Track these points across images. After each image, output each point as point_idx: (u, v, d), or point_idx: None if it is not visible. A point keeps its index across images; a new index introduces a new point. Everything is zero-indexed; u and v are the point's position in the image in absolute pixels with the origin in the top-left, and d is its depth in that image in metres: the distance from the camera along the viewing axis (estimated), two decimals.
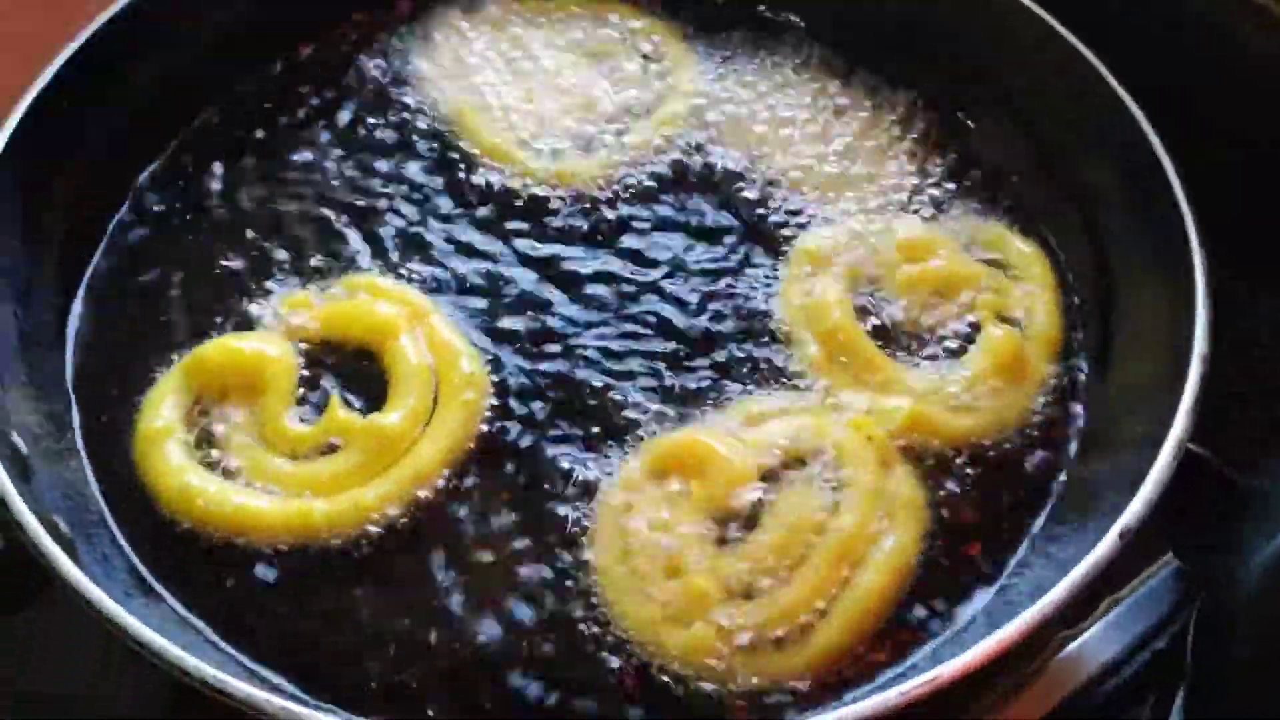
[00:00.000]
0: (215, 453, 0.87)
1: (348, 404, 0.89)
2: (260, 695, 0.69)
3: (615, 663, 0.78)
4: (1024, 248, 1.00)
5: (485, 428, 0.88)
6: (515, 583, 0.82)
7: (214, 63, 1.10)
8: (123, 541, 0.84)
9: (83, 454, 0.88)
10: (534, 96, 1.10)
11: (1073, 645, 0.91)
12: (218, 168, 1.06)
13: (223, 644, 0.80)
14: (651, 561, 0.80)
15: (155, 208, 1.04)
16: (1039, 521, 0.86)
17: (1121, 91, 0.96)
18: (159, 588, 0.82)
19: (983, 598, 0.82)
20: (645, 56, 1.14)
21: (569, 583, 0.82)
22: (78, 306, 0.97)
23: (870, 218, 1.01)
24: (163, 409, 0.88)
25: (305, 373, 0.91)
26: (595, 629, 0.80)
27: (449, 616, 0.80)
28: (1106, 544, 0.73)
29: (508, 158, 1.05)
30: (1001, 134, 1.07)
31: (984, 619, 0.80)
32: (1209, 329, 0.83)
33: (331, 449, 0.86)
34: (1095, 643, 0.92)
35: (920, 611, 0.82)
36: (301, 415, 0.89)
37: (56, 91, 0.96)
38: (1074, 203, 1.01)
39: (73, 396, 0.91)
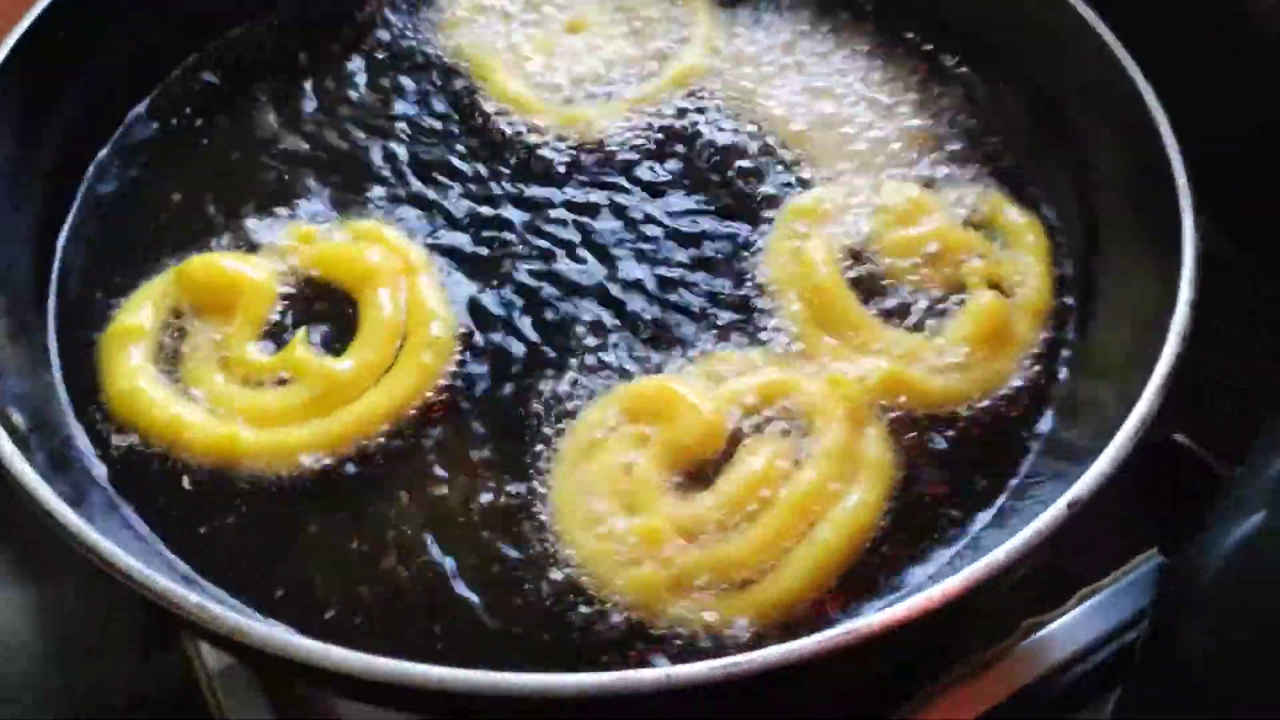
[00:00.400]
0: (175, 370, 0.89)
1: (316, 346, 0.90)
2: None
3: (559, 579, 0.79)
4: (1018, 217, 0.99)
5: (448, 381, 0.89)
6: (471, 514, 0.83)
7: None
8: (80, 444, 0.86)
9: (54, 356, 0.91)
10: (551, 42, 1.12)
11: (1040, 632, 0.90)
12: (240, 88, 1.10)
13: (169, 554, 0.81)
14: (609, 500, 0.81)
15: (166, 120, 1.07)
16: (1006, 490, 0.85)
17: (1132, 67, 0.93)
18: (116, 498, 0.84)
19: (938, 561, 0.82)
20: (666, 5, 1.15)
21: (524, 515, 0.82)
22: (74, 209, 1.00)
23: (867, 180, 1.01)
24: (139, 312, 0.91)
25: (288, 306, 0.92)
26: (548, 562, 0.80)
27: (401, 545, 0.82)
28: (1053, 513, 0.72)
29: (523, 105, 1.07)
30: (1007, 102, 1.06)
31: (928, 582, 0.79)
32: (1191, 311, 0.81)
33: (284, 384, 0.88)
34: (1064, 631, 0.91)
35: (875, 570, 0.81)
36: (266, 348, 0.90)
37: None
38: (1071, 174, 1.00)
39: (54, 300, 0.94)
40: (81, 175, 1.03)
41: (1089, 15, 0.97)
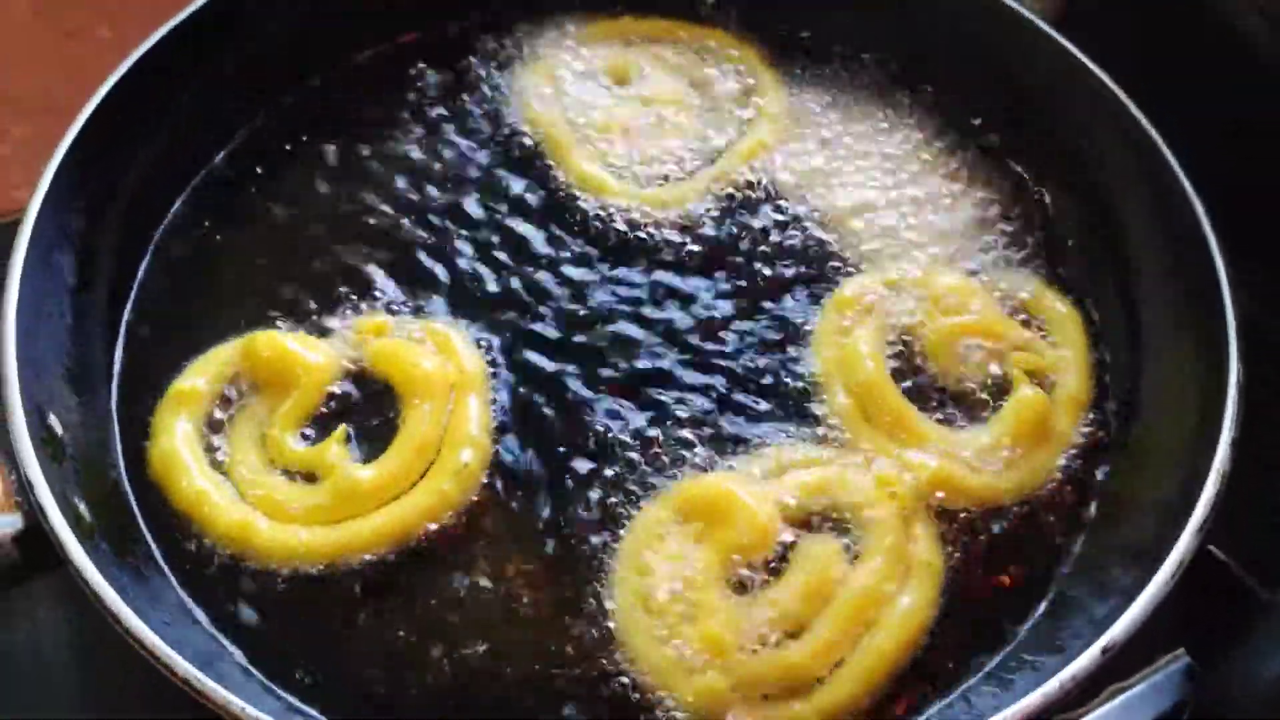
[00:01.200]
0: (222, 440, 0.90)
1: (353, 445, 0.89)
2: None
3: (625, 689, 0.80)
4: (1060, 307, 1.00)
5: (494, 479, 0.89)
6: (527, 614, 0.83)
7: (297, 48, 1.13)
8: (147, 535, 0.86)
9: (118, 439, 0.91)
10: (627, 122, 1.11)
11: None
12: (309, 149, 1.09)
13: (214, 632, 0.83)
14: (669, 605, 0.81)
15: (236, 183, 1.07)
16: (1048, 596, 0.87)
17: (1178, 168, 0.95)
18: (183, 596, 0.84)
19: (988, 664, 0.83)
20: (736, 85, 1.15)
21: (578, 614, 0.83)
22: (140, 279, 1.00)
23: (914, 266, 1.01)
24: (199, 378, 0.91)
25: (344, 395, 0.92)
26: (609, 667, 0.81)
27: (455, 646, 0.82)
28: (1087, 657, 0.74)
29: (599, 186, 1.07)
30: (1055, 196, 1.07)
31: (979, 695, 0.81)
32: (1231, 448, 0.83)
33: (310, 478, 0.88)
34: None
35: (925, 674, 0.82)
36: (308, 436, 0.90)
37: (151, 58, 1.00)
38: (1115, 269, 1.01)
39: (115, 389, 0.94)
40: (147, 245, 1.03)
41: (1139, 115, 0.99)
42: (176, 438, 0.88)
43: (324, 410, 0.91)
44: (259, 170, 1.08)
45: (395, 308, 0.98)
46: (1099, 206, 1.04)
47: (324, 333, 0.96)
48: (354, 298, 0.99)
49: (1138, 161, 0.99)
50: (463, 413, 0.90)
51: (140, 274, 1.01)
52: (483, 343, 0.96)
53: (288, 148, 1.10)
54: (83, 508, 0.81)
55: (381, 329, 0.95)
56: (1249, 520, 0.87)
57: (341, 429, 0.89)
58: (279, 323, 0.96)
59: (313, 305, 0.98)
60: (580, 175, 1.07)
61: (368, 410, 0.92)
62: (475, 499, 0.88)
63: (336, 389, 0.92)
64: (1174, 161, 0.96)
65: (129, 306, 0.99)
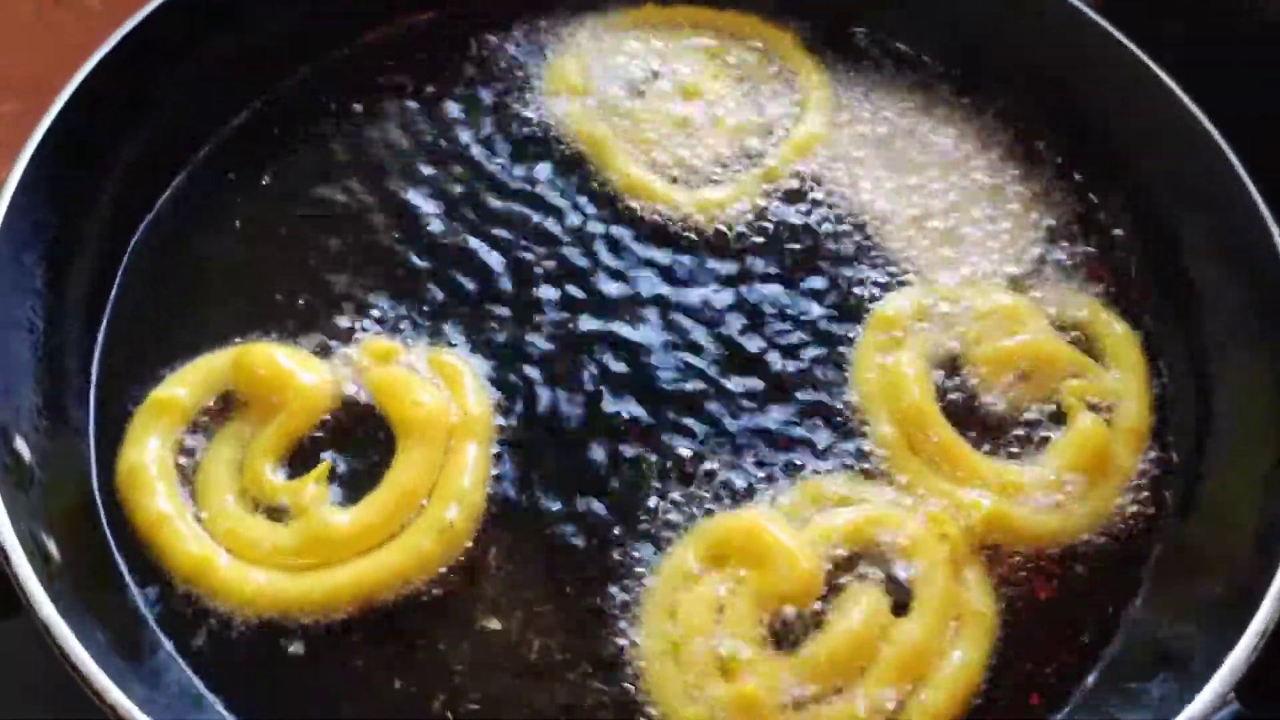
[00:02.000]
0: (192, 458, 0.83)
1: (334, 484, 0.81)
2: None
3: None
4: (1117, 328, 0.93)
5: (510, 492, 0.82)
6: (539, 663, 0.76)
7: (298, 30, 1.04)
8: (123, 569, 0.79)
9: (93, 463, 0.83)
10: (668, 118, 1.04)
11: None
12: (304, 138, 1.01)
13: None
14: (701, 658, 0.74)
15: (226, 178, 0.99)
16: (1106, 657, 0.79)
17: (1255, 194, 0.88)
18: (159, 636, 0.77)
19: None
20: (775, 73, 1.08)
21: (610, 670, 0.76)
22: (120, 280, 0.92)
23: (961, 280, 0.94)
24: (183, 386, 0.84)
25: (335, 424, 0.84)
26: None
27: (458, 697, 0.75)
28: None
29: (647, 191, 0.99)
30: (1115, 210, 1.00)
31: None
32: None
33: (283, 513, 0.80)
34: None
35: None
36: (287, 467, 0.82)
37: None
38: (1177, 290, 0.94)
39: (91, 406, 0.86)
40: (126, 244, 0.94)
41: (1212, 132, 0.91)
42: (147, 452, 0.80)
43: (312, 439, 0.83)
44: (253, 164, 0.99)
45: (405, 325, 0.90)
46: (1162, 223, 0.96)
47: (326, 351, 0.87)
48: (358, 312, 0.90)
49: (1205, 176, 0.91)
50: (459, 462, 0.81)
51: (119, 276, 0.92)
52: (495, 370, 0.88)
53: (285, 140, 1.01)
54: (51, 545, 0.74)
55: (388, 354, 0.86)
56: None
57: (324, 465, 0.81)
58: (275, 335, 0.88)
59: (311, 318, 0.89)
60: (627, 180, 0.99)
61: (359, 445, 0.83)
62: (479, 537, 0.80)
63: (333, 415, 0.84)
64: (1245, 176, 0.88)
65: (106, 313, 0.91)
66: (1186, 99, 0.93)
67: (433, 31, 1.10)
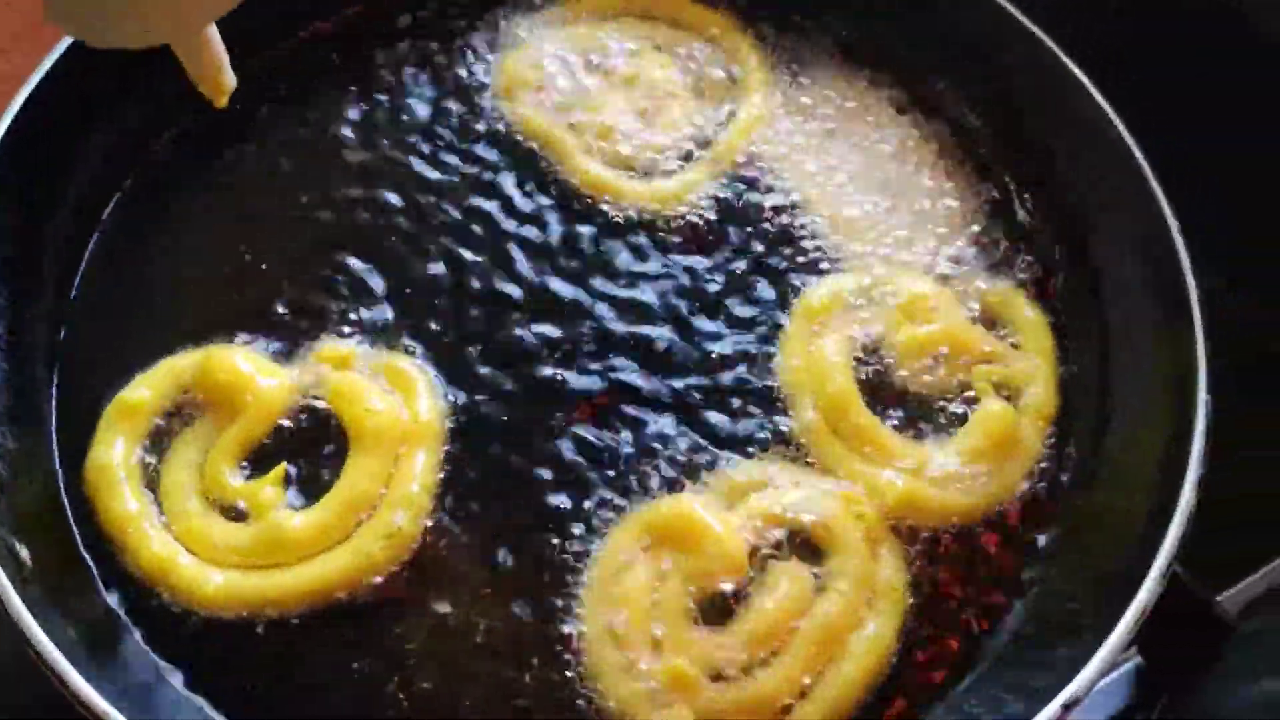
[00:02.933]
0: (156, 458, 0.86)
1: (293, 486, 0.85)
2: None
3: None
4: (1029, 313, 0.99)
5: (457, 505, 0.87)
6: (487, 644, 0.82)
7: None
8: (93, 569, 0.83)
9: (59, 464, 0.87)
10: (619, 109, 1.07)
11: None
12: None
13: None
14: (637, 638, 0.80)
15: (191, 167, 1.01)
16: (1011, 625, 0.86)
17: (1160, 193, 0.94)
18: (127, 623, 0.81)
19: (948, 696, 0.83)
20: (723, 67, 1.12)
21: (541, 645, 0.81)
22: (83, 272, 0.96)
23: (885, 270, 0.99)
24: (148, 388, 0.87)
25: (295, 429, 0.87)
26: (576, 697, 0.80)
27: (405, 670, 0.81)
28: (1048, 713, 0.74)
29: (599, 185, 1.03)
30: (1032, 203, 1.05)
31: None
32: (1204, 455, 0.83)
33: (241, 515, 0.84)
34: None
35: (887, 700, 0.82)
36: (246, 469, 0.86)
37: None
38: (1086, 278, 1.00)
39: (54, 408, 0.89)
40: (87, 242, 0.97)
41: (1125, 134, 0.97)
42: (113, 452, 0.84)
43: (272, 442, 0.87)
44: (215, 159, 1.02)
45: (362, 329, 0.93)
46: (1074, 217, 1.01)
47: (291, 353, 0.91)
48: (318, 316, 0.93)
49: (1116, 175, 0.96)
50: (408, 468, 0.85)
51: (80, 280, 0.95)
52: (448, 372, 0.92)
53: (235, 142, 1.04)
54: (24, 553, 0.78)
55: (344, 360, 0.90)
56: (1212, 538, 0.88)
57: (280, 468, 0.85)
58: (238, 338, 0.91)
59: (272, 321, 0.93)
60: (584, 176, 1.03)
61: (317, 448, 0.87)
62: (430, 525, 0.85)
63: (292, 414, 0.88)
64: (1151, 176, 0.94)
65: (72, 312, 0.94)
66: (1103, 101, 0.98)
67: (372, 29, 1.12)
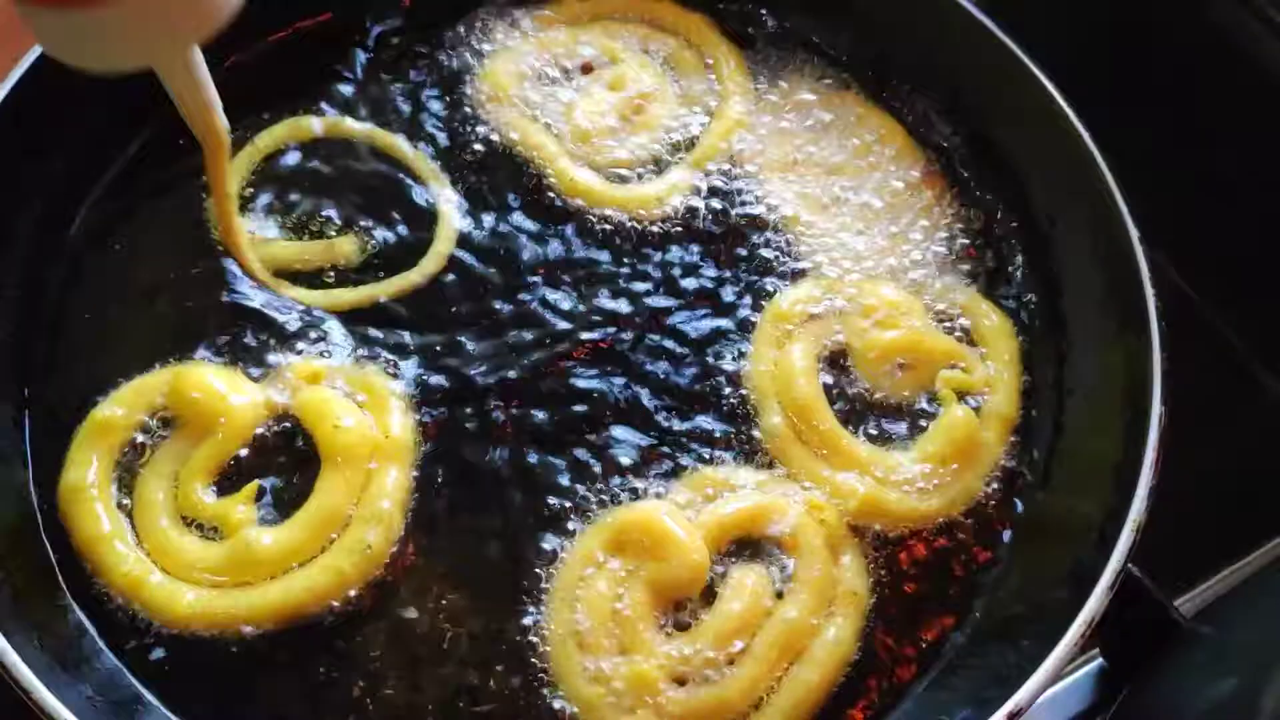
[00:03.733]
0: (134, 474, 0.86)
1: (266, 502, 0.86)
2: None
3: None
4: (993, 319, 1.00)
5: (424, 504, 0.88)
6: (454, 649, 0.83)
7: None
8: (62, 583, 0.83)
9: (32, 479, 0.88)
10: (599, 115, 1.07)
11: None
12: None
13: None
14: (600, 641, 0.81)
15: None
16: (967, 627, 0.88)
17: (1121, 201, 0.95)
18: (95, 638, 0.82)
19: (912, 693, 0.85)
20: (702, 70, 1.12)
21: (506, 650, 0.83)
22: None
23: (853, 275, 1.00)
24: (122, 406, 0.87)
25: (264, 444, 0.88)
26: (539, 701, 0.81)
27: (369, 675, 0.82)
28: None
29: (577, 190, 1.03)
30: (998, 209, 1.06)
31: None
32: (1156, 466, 0.84)
33: (213, 531, 0.85)
34: None
35: (851, 706, 0.84)
36: (228, 482, 0.86)
37: None
38: (1049, 283, 1.01)
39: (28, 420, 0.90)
40: (60, 255, 0.97)
41: (1088, 141, 0.98)
42: (87, 472, 0.85)
43: (244, 457, 0.87)
44: (174, 179, 1.01)
45: (335, 344, 0.93)
46: (1038, 223, 1.03)
47: (262, 366, 0.91)
48: (294, 332, 0.93)
49: (1078, 182, 0.98)
50: (379, 485, 0.86)
51: (52, 288, 0.96)
52: (420, 381, 0.92)
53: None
54: None
55: (316, 376, 0.90)
56: (1171, 542, 0.89)
57: (252, 485, 0.85)
58: (209, 350, 0.92)
59: (250, 333, 0.93)
60: (568, 183, 1.03)
61: (289, 464, 0.88)
62: (403, 533, 0.86)
63: (265, 430, 0.88)
64: (1113, 184, 0.95)
65: (43, 323, 0.94)
66: (1068, 109, 0.99)
67: (348, 35, 1.12)
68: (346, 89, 1.08)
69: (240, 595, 0.81)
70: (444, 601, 0.84)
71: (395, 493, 0.86)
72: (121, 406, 0.88)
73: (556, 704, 0.81)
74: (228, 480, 0.87)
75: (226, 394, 0.87)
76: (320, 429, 0.87)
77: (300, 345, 0.93)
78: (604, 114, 1.07)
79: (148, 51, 0.75)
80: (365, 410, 0.89)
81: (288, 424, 0.89)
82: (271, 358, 0.92)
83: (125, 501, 0.86)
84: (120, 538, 0.83)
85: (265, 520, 0.85)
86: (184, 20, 0.72)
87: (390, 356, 0.94)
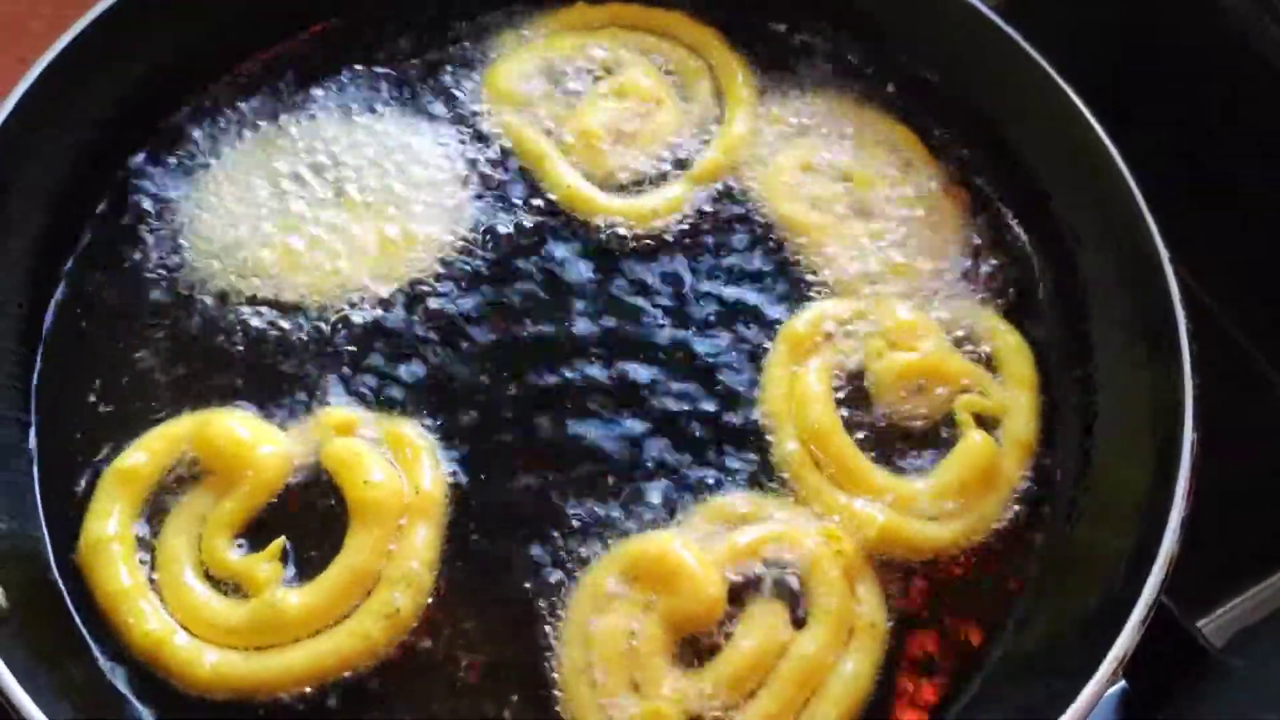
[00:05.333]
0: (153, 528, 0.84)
1: (290, 561, 0.83)
2: None
3: None
4: (1010, 340, 0.98)
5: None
6: (481, 687, 0.81)
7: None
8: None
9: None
10: (604, 125, 1.06)
11: None
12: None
13: None
14: (614, 675, 0.80)
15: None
16: (990, 661, 0.86)
17: (1149, 219, 0.93)
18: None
19: None
20: (708, 80, 1.11)
21: (523, 683, 0.81)
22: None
23: (867, 296, 0.99)
24: (144, 454, 0.85)
25: (293, 498, 0.85)
26: None
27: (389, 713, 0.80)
28: None
29: (583, 203, 1.02)
30: (1018, 226, 1.04)
31: None
32: (1189, 495, 0.83)
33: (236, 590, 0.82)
34: None
35: None
36: (252, 537, 0.84)
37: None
38: (1072, 306, 0.99)
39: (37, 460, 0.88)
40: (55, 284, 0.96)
41: (1117, 158, 0.96)
42: (109, 524, 0.82)
43: (271, 510, 0.85)
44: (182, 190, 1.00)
45: (367, 389, 0.91)
46: (1064, 245, 1.01)
47: (289, 418, 0.89)
48: (321, 380, 0.91)
49: (1105, 201, 0.96)
50: (409, 544, 0.83)
51: (51, 322, 0.94)
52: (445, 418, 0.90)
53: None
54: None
55: (347, 426, 0.87)
56: (1194, 564, 0.88)
57: (278, 543, 0.82)
58: (237, 399, 0.89)
59: (274, 385, 0.90)
60: (566, 193, 1.02)
61: (314, 519, 0.85)
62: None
63: (294, 486, 0.86)
64: (1141, 202, 0.93)
65: (41, 360, 0.92)
66: (1094, 122, 0.97)
67: (350, 42, 1.10)
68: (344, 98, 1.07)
69: (264, 659, 0.79)
70: (459, 630, 0.83)
71: (425, 551, 0.83)
72: (145, 453, 0.85)
73: None
74: (254, 533, 0.84)
75: (253, 443, 0.84)
76: (349, 484, 0.84)
77: (333, 396, 0.91)
78: (608, 123, 1.05)
79: None
80: (395, 463, 0.86)
81: (317, 477, 0.86)
82: (301, 407, 0.90)
83: (148, 553, 0.83)
84: (143, 595, 0.80)
85: (291, 579, 0.83)
86: None
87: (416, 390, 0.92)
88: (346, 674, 0.79)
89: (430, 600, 0.83)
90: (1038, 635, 0.85)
